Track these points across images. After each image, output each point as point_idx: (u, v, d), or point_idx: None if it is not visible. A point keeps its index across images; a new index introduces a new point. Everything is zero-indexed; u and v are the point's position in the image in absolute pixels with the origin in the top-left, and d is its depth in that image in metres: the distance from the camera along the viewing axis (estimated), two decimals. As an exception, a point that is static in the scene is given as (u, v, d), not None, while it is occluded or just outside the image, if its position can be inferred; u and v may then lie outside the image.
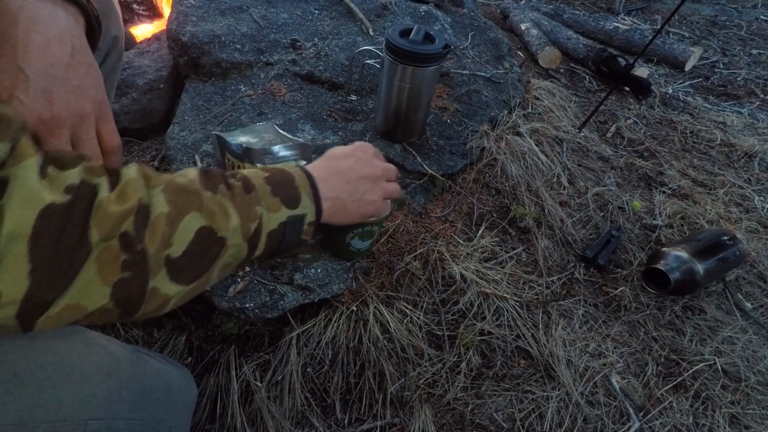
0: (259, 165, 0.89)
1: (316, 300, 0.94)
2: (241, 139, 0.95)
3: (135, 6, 1.64)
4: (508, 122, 1.48)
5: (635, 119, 1.91)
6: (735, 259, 1.28)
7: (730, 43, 2.82)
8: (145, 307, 0.45)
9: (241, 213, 0.52)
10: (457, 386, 0.97)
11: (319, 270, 0.96)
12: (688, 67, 2.39)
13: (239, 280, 0.91)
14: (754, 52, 2.73)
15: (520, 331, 1.06)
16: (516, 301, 1.10)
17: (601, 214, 1.40)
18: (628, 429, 0.97)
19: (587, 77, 2.12)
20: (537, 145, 1.45)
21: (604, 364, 1.06)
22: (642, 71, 2.09)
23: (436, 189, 1.27)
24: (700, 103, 2.15)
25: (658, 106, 2.04)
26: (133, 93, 1.29)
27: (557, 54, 2.07)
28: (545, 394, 0.99)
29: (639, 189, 1.55)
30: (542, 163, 1.42)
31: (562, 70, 2.11)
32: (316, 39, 1.45)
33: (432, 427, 0.92)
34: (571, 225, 1.32)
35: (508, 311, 1.08)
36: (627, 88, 2.08)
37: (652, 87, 2.08)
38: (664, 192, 1.55)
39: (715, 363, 1.10)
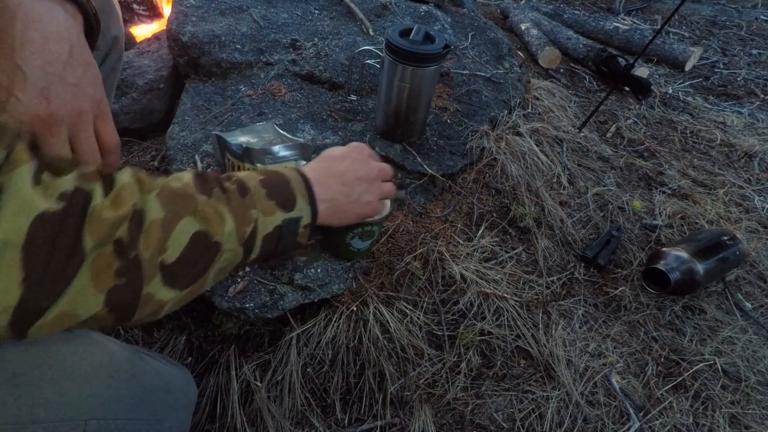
0: (259, 165, 0.89)
1: (316, 300, 0.94)
2: (241, 139, 0.95)
3: (135, 6, 1.64)
4: (508, 122, 1.48)
5: (635, 119, 1.91)
6: (735, 259, 1.28)
7: (730, 43, 2.82)
8: (139, 313, 0.45)
9: (236, 217, 0.52)
10: (457, 386, 0.97)
11: (319, 270, 0.96)
12: (688, 67, 2.39)
13: (239, 280, 0.91)
14: (754, 52, 2.73)
15: (520, 331, 1.06)
16: (516, 301, 1.10)
17: (601, 214, 1.40)
18: (628, 429, 0.97)
19: (587, 77, 2.12)
20: (537, 145, 1.45)
21: (604, 364, 1.06)
22: (642, 71, 2.09)
23: (436, 189, 1.27)
24: (700, 103, 2.15)
25: (658, 106, 2.04)
26: (133, 93, 1.29)
27: (557, 54, 2.07)
28: (545, 394, 0.99)
29: (639, 189, 1.55)
30: (542, 163, 1.42)
31: (562, 70, 2.11)
32: (316, 39, 1.45)
33: (432, 427, 0.92)
34: (571, 225, 1.32)
35: (508, 311, 1.08)
36: (627, 88, 2.08)
37: (652, 87, 2.08)
38: (664, 192, 1.55)
39: (715, 363, 1.10)
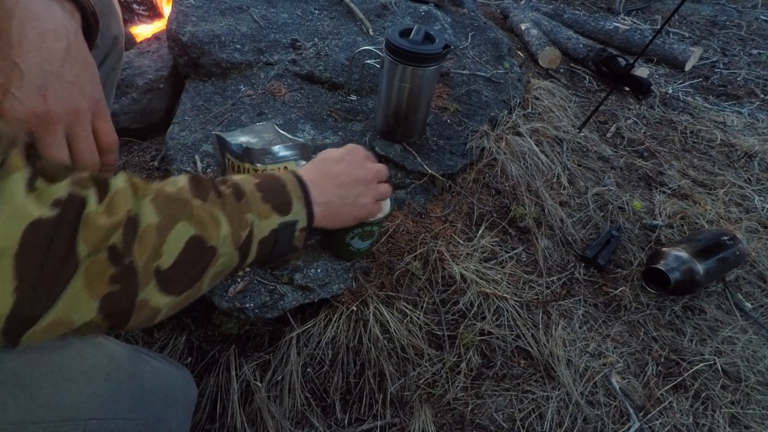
0: (259, 165, 0.89)
1: (316, 300, 0.94)
2: (241, 139, 0.95)
3: (135, 6, 1.64)
4: (508, 122, 1.48)
5: (635, 119, 1.91)
6: (735, 259, 1.28)
7: (730, 43, 2.82)
8: (134, 320, 0.45)
9: (232, 221, 0.52)
10: (457, 386, 0.97)
11: (319, 270, 0.96)
12: (688, 67, 2.39)
13: (239, 280, 0.91)
14: (754, 52, 2.73)
15: (520, 331, 1.06)
16: (516, 301, 1.10)
17: (601, 214, 1.40)
18: (628, 429, 0.97)
19: (587, 77, 2.12)
20: (537, 145, 1.45)
21: (604, 364, 1.06)
22: (642, 71, 2.09)
23: (436, 189, 1.27)
24: (700, 103, 2.15)
25: (658, 106, 2.04)
26: (133, 93, 1.29)
27: (557, 54, 2.07)
28: (545, 394, 0.99)
29: (639, 189, 1.55)
30: (542, 163, 1.42)
31: (562, 70, 2.11)
32: (316, 39, 1.45)
33: (432, 427, 0.92)
34: (571, 225, 1.32)
35: (508, 311, 1.08)
36: (627, 88, 2.08)
37: (652, 87, 2.08)
38: (664, 192, 1.55)
39: (715, 363, 1.10)
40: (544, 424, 0.95)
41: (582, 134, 1.65)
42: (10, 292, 0.37)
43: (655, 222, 1.41)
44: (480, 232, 1.22)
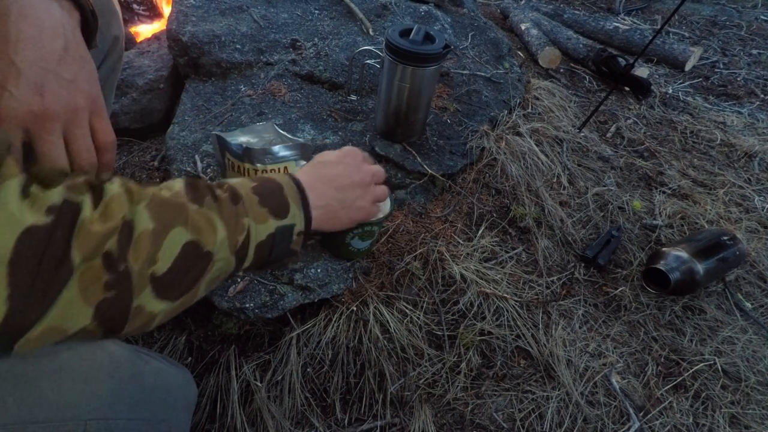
0: (259, 165, 0.89)
1: (316, 300, 0.94)
2: (241, 139, 0.95)
3: (135, 6, 1.64)
4: (508, 122, 1.48)
5: (635, 119, 1.91)
6: (735, 259, 1.28)
7: (730, 43, 2.82)
8: (129, 326, 0.44)
9: (229, 225, 0.51)
10: (457, 386, 0.97)
11: (319, 270, 0.96)
12: (688, 67, 2.39)
13: (239, 280, 0.91)
14: (754, 52, 2.73)
15: (520, 331, 1.06)
16: (516, 301, 1.10)
17: (601, 214, 1.40)
18: (628, 429, 0.97)
19: (587, 77, 2.12)
20: (537, 145, 1.45)
21: (604, 364, 1.06)
22: (642, 71, 2.09)
23: (436, 189, 1.27)
24: (700, 103, 2.15)
25: (658, 106, 2.04)
26: (133, 93, 1.29)
27: (557, 54, 2.07)
28: (545, 394, 0.99)
29: (639, 189, 1.55)
30: (542, 163, 1.42)
31: (562, 70, 2.11)
32: (316, 39, 1.45)
33: (432, 427, 0.92)
34: (571, 225, 1.32)
35: (508, 311, 1.08)
36: (627, 88, 2.08)
37: (652, 87, 2.08)
38: (664, 192, 1.55)
39: (715, 363, 1.10)
40: (544, 424, 0.95)
41: (582, 134, 1.65)
42: (3, 300, 0.36)
43: (655, 222, 1.41)
44: (480, 232, 1.22)
